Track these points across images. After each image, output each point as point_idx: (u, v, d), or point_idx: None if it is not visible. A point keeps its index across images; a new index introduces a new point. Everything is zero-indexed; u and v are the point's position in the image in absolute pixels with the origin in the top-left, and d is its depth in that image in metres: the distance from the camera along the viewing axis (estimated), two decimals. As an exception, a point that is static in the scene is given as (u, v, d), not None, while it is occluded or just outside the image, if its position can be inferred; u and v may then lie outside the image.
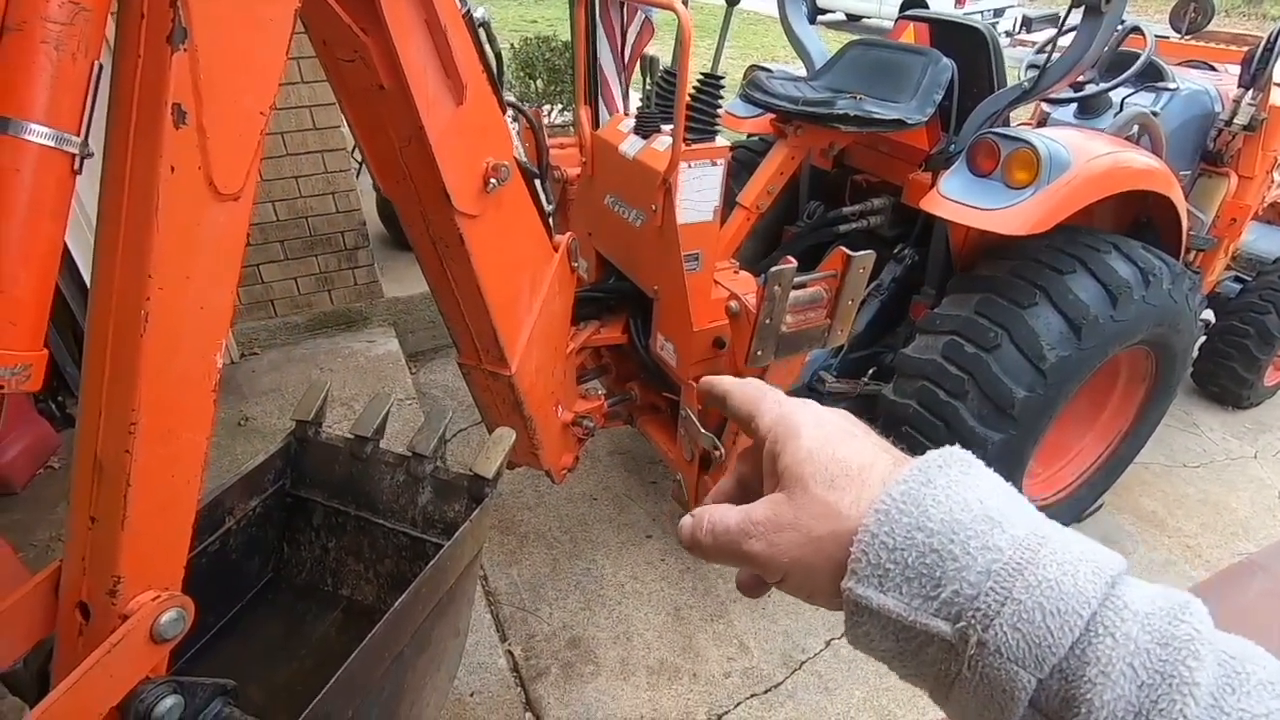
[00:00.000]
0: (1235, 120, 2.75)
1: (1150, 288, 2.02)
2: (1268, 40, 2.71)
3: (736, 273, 2.14)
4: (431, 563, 1.19)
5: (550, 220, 1.83)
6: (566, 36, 5.98)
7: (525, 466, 2.17)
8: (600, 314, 2.26)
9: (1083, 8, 1.79)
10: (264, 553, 1.50)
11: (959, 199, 2.01)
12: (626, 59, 3.87)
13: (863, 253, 1.55)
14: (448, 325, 1.71)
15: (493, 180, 1.39)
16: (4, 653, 0.91)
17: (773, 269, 1.48)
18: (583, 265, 2.06)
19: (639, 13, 3.63)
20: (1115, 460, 2.56)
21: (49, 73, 0.71)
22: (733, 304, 1.71)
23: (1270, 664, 0.29)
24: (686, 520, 0.44)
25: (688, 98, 1.80)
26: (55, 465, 2.56)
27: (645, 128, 1.96)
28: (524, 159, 1.62)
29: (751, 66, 2.72)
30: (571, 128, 5.60)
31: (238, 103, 0.88)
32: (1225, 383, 3.34)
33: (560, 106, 5.87)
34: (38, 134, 0.71)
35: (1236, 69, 3.08)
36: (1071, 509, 2.56)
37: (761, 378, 1.74)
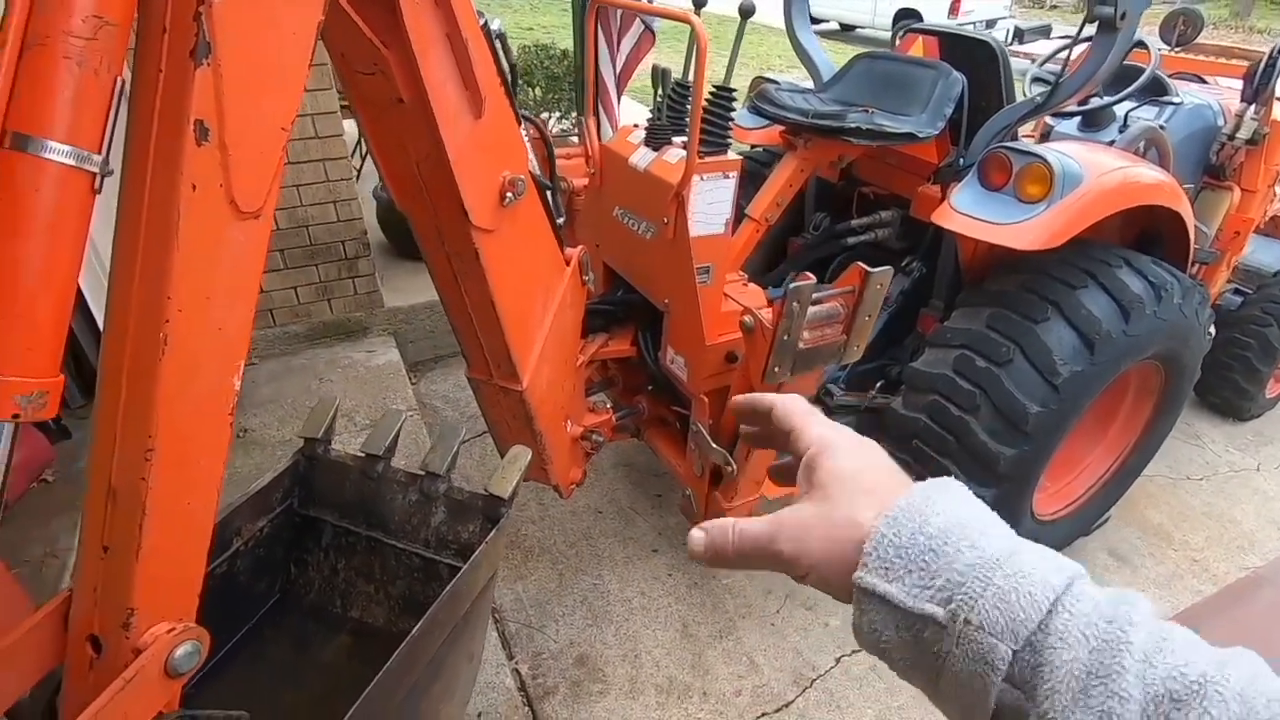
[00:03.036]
0: (1239, 134, 2.77)
1: (1162, 302, 2.01)
2: (1270, 56, 2.72)
3: (745, 285, 2.12)
4: (448, 588, 1.16)
5: (561, 233, 1.81)
6: (564, 44, 5.98)
7: (531, 481, 2.14)
8: (608, 326, 2.24)
9: (1097, 23, 1.79)
10: (271, 573, 1.47)
11: (971, 213, 2.00)
12: (619, 68, 3.85)
13: (881, 269, 1.53)
14: (458, 339, 1.68)
15: (509, 194, 1.37)
16: (11, 687, 0.87)
17: (792, 285, 1.46)
18: (589, 277, 2.03)
19: (636, 21, 3.62)
20: (1123, 473, 2.55)
21: (71, 89, 0.68)
22: (747, 319, 1.69)
23: (1191, 635, 0.37)
24: (698, 534, 0.48)
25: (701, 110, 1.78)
26: (49, 479, 2.51)
27: (656, 139, 1.94)
28: (537, 172, 1.60)
29: (758, 78, 2.72)
30: (573, 137, 5.58)
31: (260, 119, 0.85)
32: (1227, 394, 3.35)
33: (559, 114, 5.85)
34: (58, 152, 0.68)
35: (1226, 81, 3.11)
36: (1080, 522, 2.55)
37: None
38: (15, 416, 0.69)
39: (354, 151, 4.68)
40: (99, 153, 0.71)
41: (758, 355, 1.66)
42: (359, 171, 4.37)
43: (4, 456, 0.71)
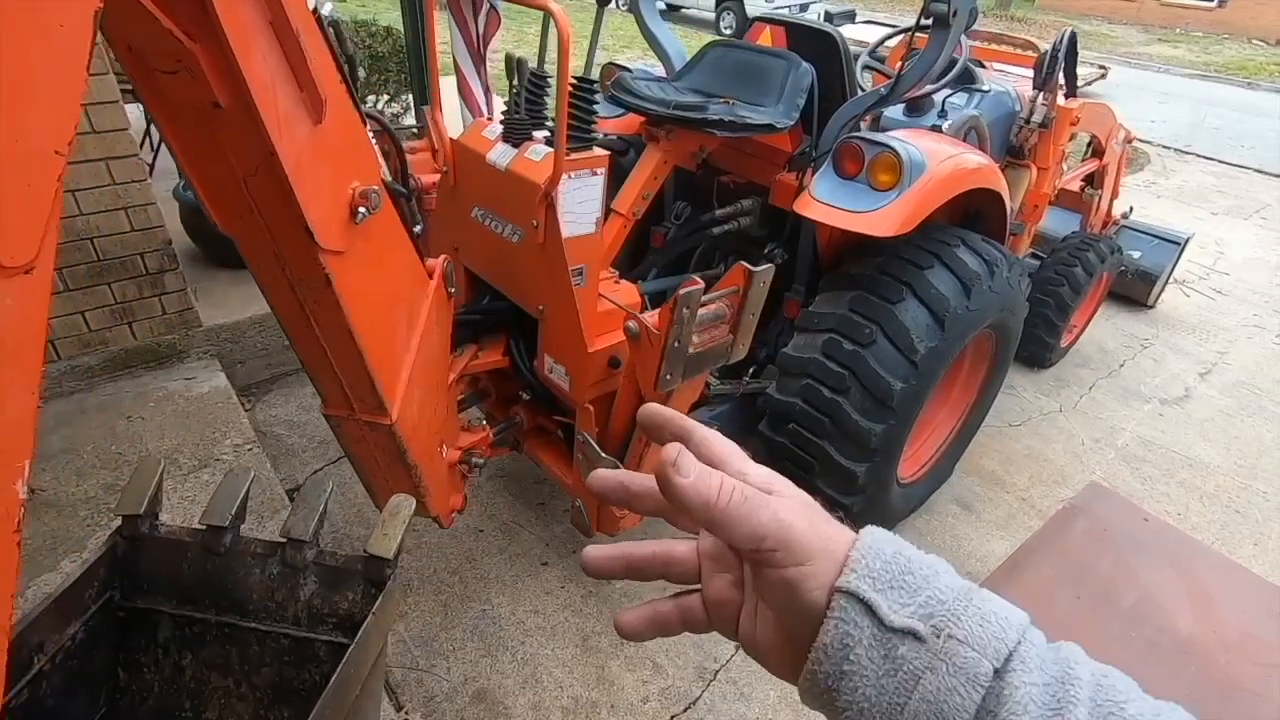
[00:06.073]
0: (1033, 119, 3.10)
1: (995, 277, 2.20)
2: (1053, 48, 3.07)
3: (617, 283, 2.05)
4: (335, 676, 0.99)
5: (420, 242, 1.62)
6: (386, 20, 5.51)
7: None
8: (477, 336, 2.08)
9: (932, 20, 1.89)
10: (91, 686, 1.19)
11: (830, 201, 2.06)
12: (481, 51, 3.59)
13: (764, 268, 1.52)
14: (310, 374, 1.46)
15: (362, 209, 1.18)
16: None
17: (681, 292, 1.41)
18: (454, 289, 1.86)
19: (485, 2, 3.38)
20: (965, 431, 2.81)
21: None
22: (631, 324, 1.61)
23: (1132, 696, 0.37)
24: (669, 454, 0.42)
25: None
26: None
27: (516, 135, 1.80)
28: (390, 179, 1.42)
29: (609, 64, 2.63)
30: (405, 124, 5.16)
31: (20, 142, 0.64)
32: (1032, 347, 3.80)
33: (386, 98, 5.41)
34: None
35: (1002, 67, 3.50)
36: (933, 480, 2.78)
37: (665, 401, 1.68)
38: None
39: (142, 144, 4.02)
40: None
41: (646, 363, 1.60)
42: (152, 168, 3.76)
43: None
